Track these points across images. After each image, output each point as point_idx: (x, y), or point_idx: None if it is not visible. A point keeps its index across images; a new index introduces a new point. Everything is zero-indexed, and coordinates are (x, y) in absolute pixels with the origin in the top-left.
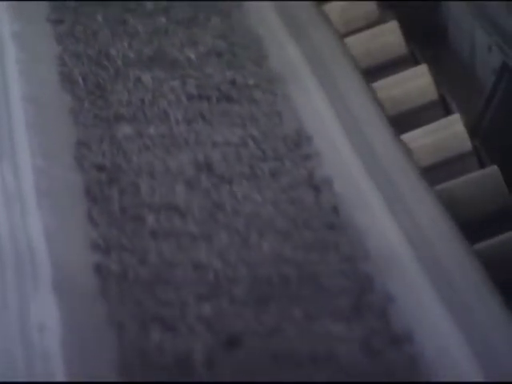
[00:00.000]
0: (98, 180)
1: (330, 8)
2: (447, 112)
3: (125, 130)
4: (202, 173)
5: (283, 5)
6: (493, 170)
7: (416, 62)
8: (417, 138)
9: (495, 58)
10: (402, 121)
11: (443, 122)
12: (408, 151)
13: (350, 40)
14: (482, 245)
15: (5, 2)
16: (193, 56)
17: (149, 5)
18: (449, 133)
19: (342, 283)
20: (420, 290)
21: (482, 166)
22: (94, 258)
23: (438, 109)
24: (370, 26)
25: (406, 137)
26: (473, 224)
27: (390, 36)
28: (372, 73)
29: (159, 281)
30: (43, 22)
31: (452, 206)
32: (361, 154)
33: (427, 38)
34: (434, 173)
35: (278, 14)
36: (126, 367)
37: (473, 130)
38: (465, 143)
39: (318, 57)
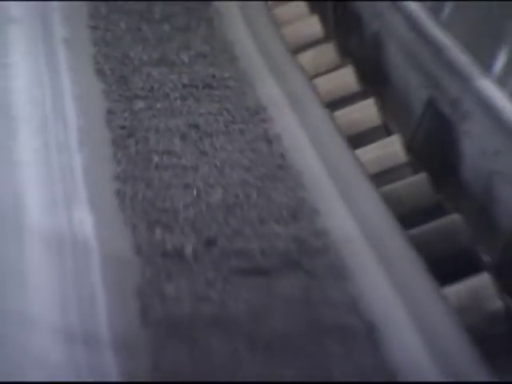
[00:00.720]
0: (121, 135)
1: (303, 57)
2: (388, 133)
3: (139, 104)
4: (192, 130)
5: (249, 17)
6: (422, 176)
7: (366, 96)
8: (365, 152)
9: (423, 94)
10: (356, 140)
11: (385, 140)
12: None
13: (317, 81)
14: (412, 231)
15: (56, 12)
16: (186, 59)
17: (157, 14)
18: (389, 149)
19: (284, 200)
20: (338, 205)
21: (415, 173)
22: (116, 185)
23: (382, 131)
24: (333, 69)
25: (358, 152)
26: (408, 216)
27: (346, 77)
28: (333, 105)
29: (159, 197)
30: (84, 28)
31: (390, 203)
32: (301, 119)
33: (375, 78)
34: (378, 179)
35: (246, 25)
36: (139, 250)
37: (408, 147)
38: (401, 157)
39: (272, 58)
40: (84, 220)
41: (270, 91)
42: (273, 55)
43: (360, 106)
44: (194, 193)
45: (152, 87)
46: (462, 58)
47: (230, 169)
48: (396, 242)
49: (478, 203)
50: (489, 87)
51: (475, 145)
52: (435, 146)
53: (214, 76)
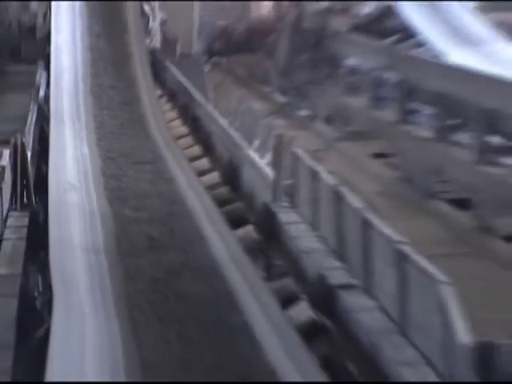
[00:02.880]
0: (100, 123)
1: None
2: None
3: (106, 111)
4: (125, 121)
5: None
6: (226, 188)
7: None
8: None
9: (227, 156)
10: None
11: (211, 174)
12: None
13: (187, 150)
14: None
15: (83, 66)
16: (123, 86)
17: (120, 64)
18: (212, 178)
19: (149, 142)
20: (173, 155)
21: (223, 186)
22: (97, 138)
23: (210, 172)
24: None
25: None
26: (218, 203)
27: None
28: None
29: (114, 141)
30: (89, 70)
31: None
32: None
33: (213, 156)
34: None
35: (144, 66)
36: (106, 158)
37: (221, 176)
38: (217, 179)
39: (152, 99)
40: (87, 152)
41: (148, 112)
42: (152, 97)
43: (202, 160)
44: (118, 137)
45: (110, 102)
46: (242, 142)
47: (129, 130)
48: (206, 199)
49: (248, 197)
50: (252, 153)
51: (249, 177)
52: (232, 177)
53: (131, 97)
